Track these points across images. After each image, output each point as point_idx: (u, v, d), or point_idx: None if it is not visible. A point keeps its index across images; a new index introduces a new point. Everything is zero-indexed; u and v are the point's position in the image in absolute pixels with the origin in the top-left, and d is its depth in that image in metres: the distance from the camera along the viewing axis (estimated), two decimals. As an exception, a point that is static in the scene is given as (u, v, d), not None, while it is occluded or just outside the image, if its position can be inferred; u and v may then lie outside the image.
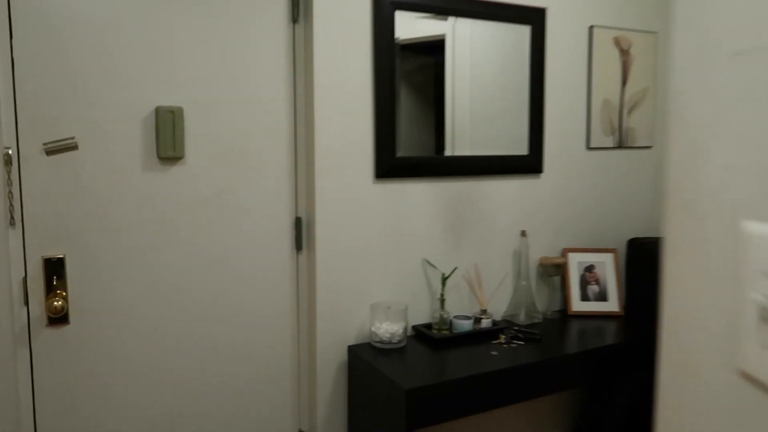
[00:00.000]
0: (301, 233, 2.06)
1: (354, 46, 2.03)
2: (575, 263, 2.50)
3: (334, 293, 2.06)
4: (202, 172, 1.89)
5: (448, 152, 2.24)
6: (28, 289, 1.71)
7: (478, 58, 2.27)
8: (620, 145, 2.64)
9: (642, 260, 2.54)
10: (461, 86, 2.25)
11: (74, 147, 1.73)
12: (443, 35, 2.21)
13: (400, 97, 2.13)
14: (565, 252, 2.51)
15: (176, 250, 1.88)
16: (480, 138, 2.31)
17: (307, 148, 2.04)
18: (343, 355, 2.08)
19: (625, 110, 2.65)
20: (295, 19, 1.99)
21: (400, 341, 2.04)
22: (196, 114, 1.87)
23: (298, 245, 2.06)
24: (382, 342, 2.03)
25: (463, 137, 2.27)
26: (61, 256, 1.74)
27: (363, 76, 2.05)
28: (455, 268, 2.24)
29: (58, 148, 1.71)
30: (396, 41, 2.09)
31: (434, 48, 2.22)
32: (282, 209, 2.02)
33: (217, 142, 1.91)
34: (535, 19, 2.36)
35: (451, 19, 2.20)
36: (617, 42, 2.59)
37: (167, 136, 1.82)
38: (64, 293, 1.74)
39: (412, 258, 2.20)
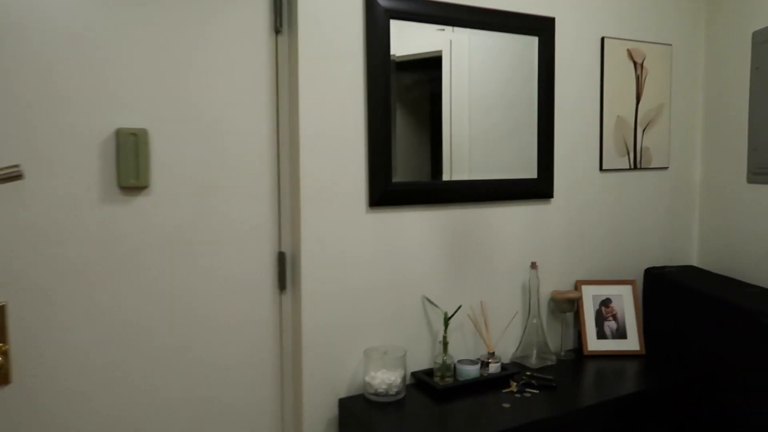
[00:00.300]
0: (284, 270, 1.81)
1: (344, 58, 1.80)
2: (590, 297, 2.26)
3: (323, 338, 1.81)
4: (170, 202, 1.65)
5: (446, 176, 2.00)
6: (-38, 344, 1.46)
7: (480, 72, 2.05)
8: (635, 167, 2.43)
9: (662, 291, 2.31)
10: (461, 104, 2.03)
11: (19, 176, 1.48)
12: (440, 49, 1.99)
13: (395, 115, 1.91)
14: (578, 284, 2.27)
15: (140, 293, 1.63)
16: (484, 161, 2.08)
17: (291, 173, 1.80)
18: (333, 410, 1.83)
19: (640, 128, 2.43)
20: (277, 29, 1.77)
21: (398, 392, 1.79)
22: (163, 137, 1.63)
23: (282, 284, 1.81)
24: (377, 394, 1.78)
25: (464, 160, 2.04)
26: (2, 303, 1.48)
27: (355, 93, 1.82)
28: (459, 307, 1.99)
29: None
30: (392, 58, 1.86)
31: (431, 62, 1.99)
32: (263, 243, 1.78)
33: (188, 168, 1.67)
34: (544, 29, 2.15)
35: (449, 30, 1.98)
36: (630, 54, 2.38)
37: (129, 162, 1.58)
38: (4, 347, 1.49)
39: (410, 296, 1.95)
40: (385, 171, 1.87)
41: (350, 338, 1.85)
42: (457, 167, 2.02)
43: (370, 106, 1.83)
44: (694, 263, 2.63)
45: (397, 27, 1.87)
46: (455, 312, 1.96)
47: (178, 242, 1.66)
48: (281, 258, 1.80)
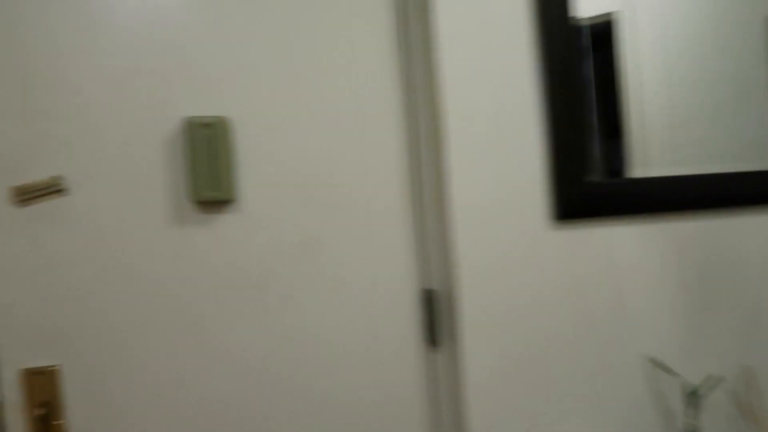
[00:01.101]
0: (434, 317, 1.23)
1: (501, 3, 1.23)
2: None
3: (497, 421, 1.18)
4: (267, 222, 1.16)
5: (638, 173, 1.32)
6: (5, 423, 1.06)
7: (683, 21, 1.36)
8: None
9: None
10: (651, 68, 1.35)
11: (60, 191, 1.09)
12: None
13: (585, 78, 1.28)
14: None
15: (214, 355, 1.14)
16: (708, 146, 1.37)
17: (436, 179, 1.24)
18: None
19: None
20: (406, -27, 1.26)
21: None
22: (252, 129, 1.16)
23: (433, 337, 1.23)
24: None
25: (694, 143, 1.35)
26: (54, 366, 1.07)
27: (519, 45, 1.23)
28: (721, 379, 1.25)
29: (34, 195, 1.08)
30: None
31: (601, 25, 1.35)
32: (399, 277, 1.22)
33: (289, 173, 1.18)
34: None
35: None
36: None
37: (204, 166, 1.12)
38: (60, 423, 1.06)
39: (625, 355, 1.26)
40: (576, 166, 1.24)
41: (537, 419, 1.20)
42: (653, 158, 1.33)
43: (546, 63, 1.23)
44: None
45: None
46: (713, 386, 1.22)
47: (277, 278, 1.16)
48: (428, 298, 1.23)
